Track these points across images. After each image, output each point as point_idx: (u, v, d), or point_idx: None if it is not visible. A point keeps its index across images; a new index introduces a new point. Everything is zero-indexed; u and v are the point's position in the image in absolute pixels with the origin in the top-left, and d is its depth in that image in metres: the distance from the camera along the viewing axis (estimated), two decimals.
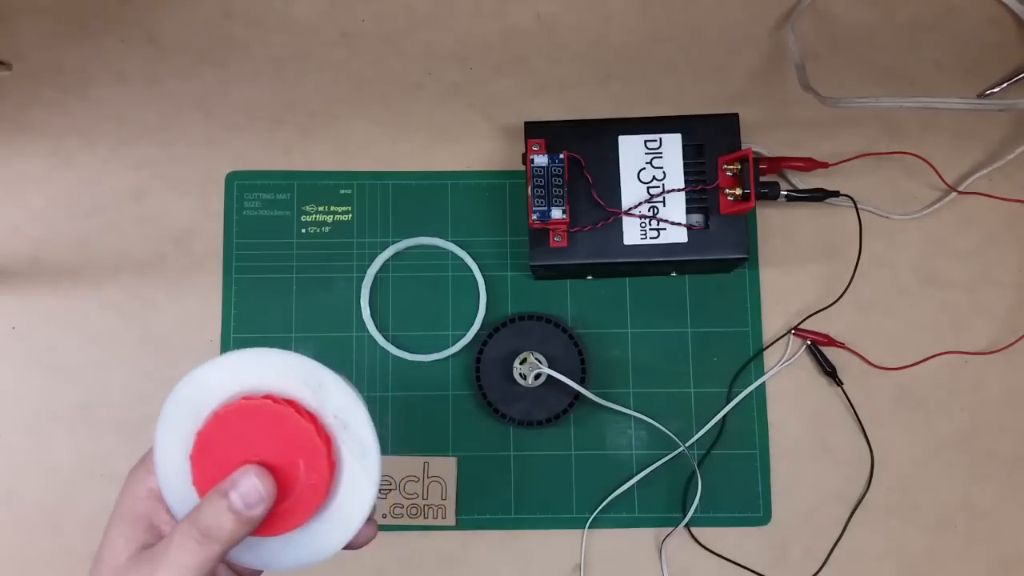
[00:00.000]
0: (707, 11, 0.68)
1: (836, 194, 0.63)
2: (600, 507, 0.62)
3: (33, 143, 0.66)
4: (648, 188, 0.60)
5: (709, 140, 0.61)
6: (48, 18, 0.68)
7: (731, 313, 0.64)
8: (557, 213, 0.58)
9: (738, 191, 0.59)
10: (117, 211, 0.66)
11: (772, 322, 0.64)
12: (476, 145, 0.66)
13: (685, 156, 0.61)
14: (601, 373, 0.63)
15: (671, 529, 0.62)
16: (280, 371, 0.34)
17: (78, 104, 0.67)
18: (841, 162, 0.64)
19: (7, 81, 0.67)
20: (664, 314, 0.64)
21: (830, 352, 0.64)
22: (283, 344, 0.64)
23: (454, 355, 0.64)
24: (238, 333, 0.64)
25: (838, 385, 0.63)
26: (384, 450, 0.38)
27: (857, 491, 0.63)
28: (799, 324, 0.64)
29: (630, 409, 0.63)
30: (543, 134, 0.61)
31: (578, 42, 0.68)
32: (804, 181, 0.65)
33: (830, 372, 0.63)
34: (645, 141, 0.61)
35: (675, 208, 0.60)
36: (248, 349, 0.35)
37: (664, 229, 0.60)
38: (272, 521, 0.34)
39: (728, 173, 0.60)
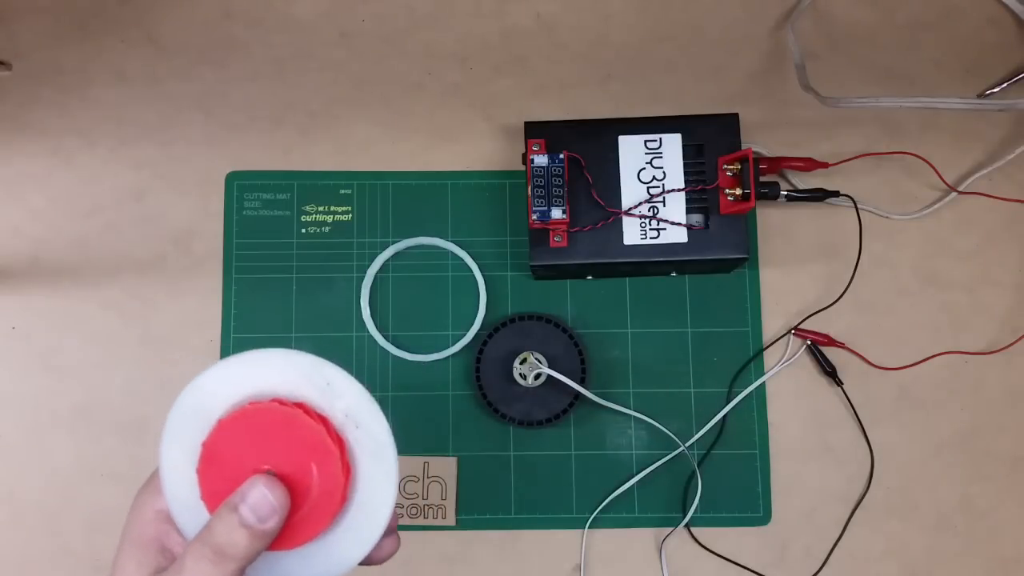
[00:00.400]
0: (707, 11, 0.68)
1: (836, 194, 0.63)
2: (600, 507, 0.62)
3: (33, 143, 0.66)
4: (648, 188, 0.60)
5: (709, 140, 0.61)
6: (48, 18, 0.68)
7: (731, 313, 0.64)
8: (557, 213, 0.58)
9: (738, 191, 0.59)
10: (117, 211, 0.66)
11: (772, 322, 0.64)
12: (476, 145, 0.66)
13: (685, 156, 0.61)
14: (601, 373, 0.63)
15: (671, 529, 0.62)
16: (285, 372, 0.33)
17: (78, 104, 0.67)
18: (841, 162, 0.64)
19: (7, 81, 0.67)
20: (664, 314, 0.64)
21: (830, 352, 0.64)
22: (283, 344, 0.64)
23: (454, 355, 0.64)
24: (238, 333, 0.64)
25: (838, 385, 0.63)
26: None
27: (857, 491, 0.63)
28: (799, 324, 0.64)
29: (630, 409, 0.63)
30: (543, 134, 0.61)
31: (578, 42, 0.68)
32: (804, 181, 0.65)
33: (830, 372, 0.63)
34: (645, 141, 0.61)
35: (675, 208, 0.60)
36: (250, 351, 0.33)
37: (664, 229, 0.60)
38: (288, 533, 0.32)
39: (728, 173, 0.60)
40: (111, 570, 0.33)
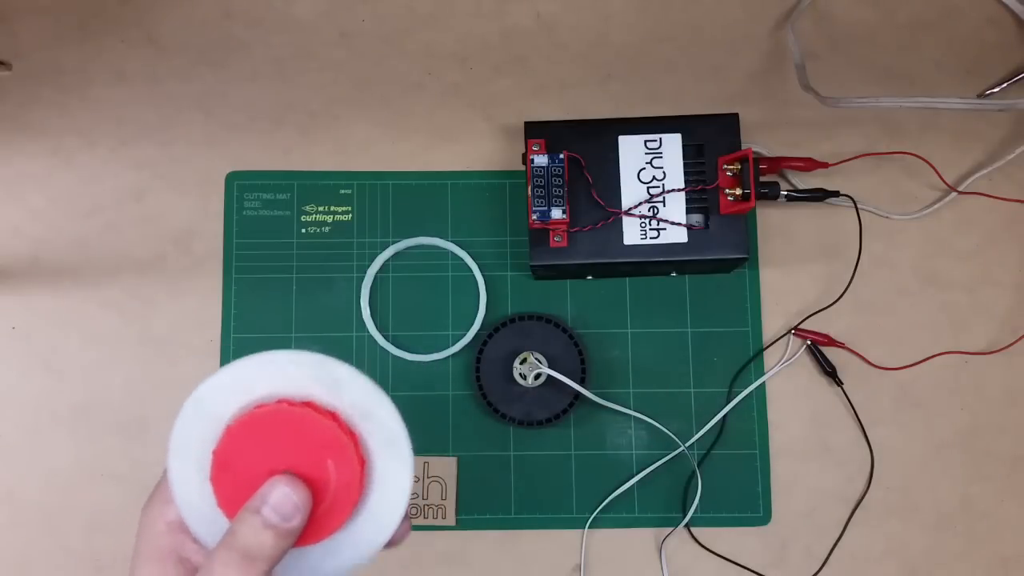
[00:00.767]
0: (707, 11, 0.68)
1: (836, 194, 0.63)
2: (600, 507, 0.62)
3: (33, 143, 0.66)
4: (648, 188, 0.60)
5: (709, 140, 0.61)
6: (48, 18, 0.68)
7: (731, 313, 0.64)
8: (557, 213, 0.58)
9: (738, 191, 0.59)
10: (117, 211, 0.66)
11: (772, 322, 0.64)
12: (476, 145, 0.66)
13: (685, 156, 0.61)
14: (601, 373, 0.63)
15: (671, 529, 0.62)
16: (288, 372, 0.33)
17: (78, 104, 0.67)
18: (841, 162, 0.64)
19: (7, 81, 0.67)
20: (664, 314, 0.64)
21: (830, 352, 0.64)
22: (283, 344, 0.64)
23: (454, 355, 0.64)
24: (238, 333, 0.64)
25: (838, 385, 0.63)
26: None
27: (857, 491, 0.63)
28: (799, 324, 0.64)
29: (630, 409, 0.63)
30: (543, 134, 0.61)
31: (578, 42, 0.68)
32: (804, 181, 0.65)
33: (830, 372, 0.63)
34: (645, 141, 0.61)
35: (675, 208, 0.60)
36: (250, 356, 0.33)
37: (664, 229, 0.60)
38: (311, 528, 0.32)
39: (728, 173, 0.60)
40: None
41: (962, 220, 0.65)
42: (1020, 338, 0.64)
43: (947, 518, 0.62)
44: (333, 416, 0.32)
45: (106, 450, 0.63)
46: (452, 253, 0.65)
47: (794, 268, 0.65)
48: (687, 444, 0.62)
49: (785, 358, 0.64)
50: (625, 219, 0.60)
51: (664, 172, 0.60)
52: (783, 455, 0.63)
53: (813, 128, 0.66)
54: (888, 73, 0.67)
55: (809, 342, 0.64)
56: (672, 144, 0.61)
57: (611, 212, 0.60)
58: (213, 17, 0.68)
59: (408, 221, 0.65)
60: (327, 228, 0.65)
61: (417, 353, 0.64)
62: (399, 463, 0.33)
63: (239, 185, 0.66)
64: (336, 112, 0.67)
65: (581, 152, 0.60)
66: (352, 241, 0.65)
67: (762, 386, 0.64)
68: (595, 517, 0.62)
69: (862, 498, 0.62)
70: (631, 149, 0.61)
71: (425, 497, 0.62)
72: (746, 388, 0.63)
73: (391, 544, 0.35)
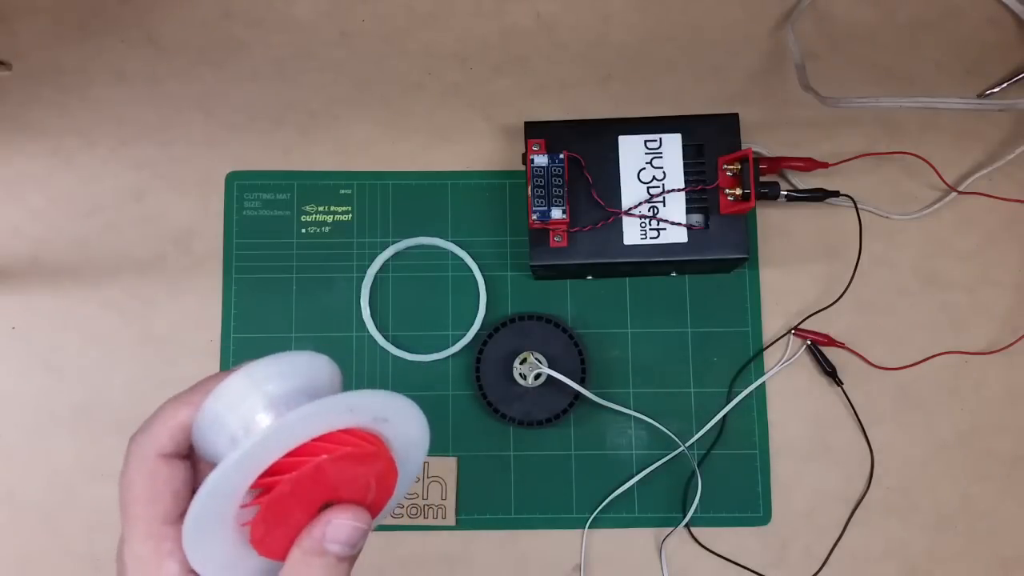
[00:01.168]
0: (707, 11, 0.68)
1: (836, 194, 0.63)
2: (600, 507, 0.62)
3: (33, 143, 0.66)
4: (648, 188, 0.60)
5: (709, 140, 0.61)
6: (48, 18, 0.68)
7: (731, 313, 0.64)
8: (557, 213, 0.58)
9: (738, 191, 0.59)
10: (117, 211, 0.66)
11: (772, 322, 0.64)
12: (476, 145, 0.66)
13: (685, 156, 0.61)
14: (601, 373, 0.63)
15: (671, 529, 0.62)
16: (308, 421, 0.29)
17: (78, 104, 0.67)
18: (841, 162, 0.64)
19: (7, 81, 0.67)
20: (664, 314, 0.64)
21: (830, 352, 0.64)
22: (283, 344, 0.64)
23: (454, 355, 0.64)
24: (238, 333, 0.64)
25: (838, 385, 0.63)
26: None
27: (857, 491, 0.63)
28: (799, 324, 0.64)
29: (630, 409, 0.63)
30: (543, 134, 0.61)
31: (578, 42, 0.68)
32: (804, 181, 0.65)
33: (830, 372, 0.63)
34: (645, 141, 0.61)
35: (675, 208, 0.60)
36: (260, 432, 0.28)
37: (664, 229, 0.60)
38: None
39: (728, 173, 0.60)
40: (123, 532, 0.30)
41: (962, 220, 0.65)
42: (1020, 338, 0.64)
43: (947, 518, 0.62)
44: (353, 433, 0.30)
45: (106, 450, 0.63)
46: (452, 253, 0.65)
47: (794, 268, 0.65)
48: (687, 444, 0.62)
49: (785, 358, 0.64)
50: (625, 219, 0.60)
51: (664, 172, 0.60)
52: (783, 455, 0.63)
53: (813, 128, 0.66)
54: (888, 73, 0.67)
55: (809, 342, 0.64)
56: (672, 144, 0.61)
57: (611, 212, 0.60)
58: (213, 17, 0.68)
59: (408, 221, 0.65)
60: (327, 228, 0.65)
61: (417, 353, 0.64)
62: (417, 452, 0.33)
63: (239, 185, 0.66)
64: (336, 112, 0.67)
65: (581, 152, 0.60)
66: (352, 241, 0.65)
67: (762, 386, 0.64)
68: (595, 517, 0.62)
69: (862, 498, 0.62)
70: (631, 149, 0.61)
71: (425, 497, 0.62)
72: (746, 388, 0.63)
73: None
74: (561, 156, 0.59)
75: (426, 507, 0.62)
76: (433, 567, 0.62)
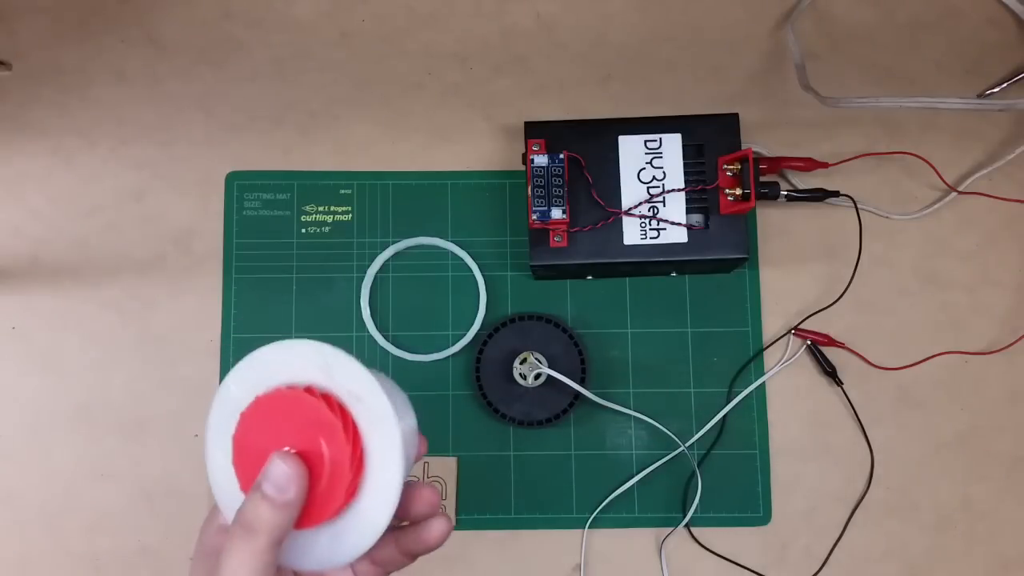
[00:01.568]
0: (707, 11, 0.68)
1: (836, 194, 0.63)
2: (600, 507, 0.62)
3: (33, 143, 0.66)
4: (648, 188, 0.60)
5: (709, 140, 0.61)
6: (48, 18, 0.68)
7: (731, 313, 0.64)
8: (557, 213, 0.58)
9: (738, 191, 0.59)
10: (117, 211, 0.66)
11: (772, 322, 0.64)
12: (476, 145, 0.66)
13: (685, 156, 0.61)
14: (601, 373, 0.63)
15: (671, 529, 0.62)
16: (292, 361, 0.35)
17: (78, 104, 0.67)
18: (841, 162, 0.64)
19: (7, 81, 0.67)
20: (664, 314, 0.64)
21: (830, 352, 0.64)
22: None
23: (454, 355, 0.64)
24: (238, 333, 0.64)
25: (838, 385, 0.63)
26: None
27: (857, 491, 0.63)
28: (799, 324, 0.64)
29: (630, 409, 0.63)
30: (543, 134, 0.61)
31: (578, 42, 0.68)
32: (804, 181, 0.65)
33: (830, 372, 0.63)
34: (645, 141, 0.61)
35: (675, 208, 0.60)
36: (262, 348, 0.35)
37: (664, 229, 0.60)
38: (313, 509, 0.34)
39: (728, 173, 0.60)
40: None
41: (962, 220, 0.65)
42: (1020, 338, 0.64)
43: (947, 518, 0.62)
44: (326, 398, 0.34)
45: (106, 450, 0.63)
46: (452, 253, 0.65)
47: (794, 268, 0.65)
48: (687, 444, 0.62)
49: (785, 358, 0.64)
50: (625, 219, 0.60)
51: (664, 172, 0.60)
52: (783, 455, 0.63)
53: (813, 128, 0.66)
54: (888, 73, 0.67)
55: (809, 342, 0.64)
56: (672, 144, 0.61)
57: (611, 212, 0.60)
58: (213, 17, 0.68)
59: (408, 221, 0.65)
60: (327, 228, 0.65)
61: (417, 353, 0.64)
62: (389, 443, 0.34)
63: (239, 185, 0.66)
64: (336, 112, 0.67)
65: (581, 152, 0.60)
66: (352, 241, 0.65)
67: (762, 386, 0.64)
68: (595, 517, 0.62)
69: (862, 498, 0.62)
70: (631, 149, 0.61)
71: None
72: (746, 388, 0.63)
73: (431, 544, 0.39)
74: (561, 156, 0.59)
75: None
76: (433, 567, 0.62)
